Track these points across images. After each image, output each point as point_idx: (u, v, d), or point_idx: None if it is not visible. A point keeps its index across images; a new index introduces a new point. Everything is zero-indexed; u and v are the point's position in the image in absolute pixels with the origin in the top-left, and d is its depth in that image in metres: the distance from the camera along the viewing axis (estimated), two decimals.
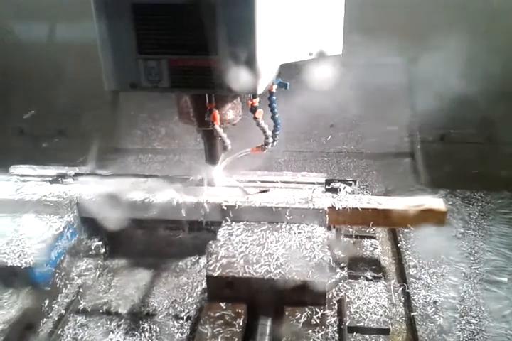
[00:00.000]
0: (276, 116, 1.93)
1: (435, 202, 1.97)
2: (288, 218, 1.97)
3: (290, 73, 1.86)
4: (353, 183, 2.07)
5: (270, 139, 1.99)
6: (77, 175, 2.23)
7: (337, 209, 1.95)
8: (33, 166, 2.28)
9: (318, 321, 1.67)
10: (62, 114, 3.40)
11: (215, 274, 1.75)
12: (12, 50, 3.41)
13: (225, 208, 2.00)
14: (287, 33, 1.68)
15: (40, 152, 3.35)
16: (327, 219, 1.95)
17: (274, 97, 1.89)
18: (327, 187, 2.06)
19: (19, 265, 1.82)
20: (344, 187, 2.03)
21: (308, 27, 1.73)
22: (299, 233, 1.93)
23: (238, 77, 1.59)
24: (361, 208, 1.95)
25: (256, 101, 1.82)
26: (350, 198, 1.99)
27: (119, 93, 3.22)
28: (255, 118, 1.88)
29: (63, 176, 2.21)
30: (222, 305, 1.74)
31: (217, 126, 1.86)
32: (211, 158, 2.04)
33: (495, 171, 2.81)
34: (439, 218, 1.95)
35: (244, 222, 2.00)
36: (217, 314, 1.71)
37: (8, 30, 3.44)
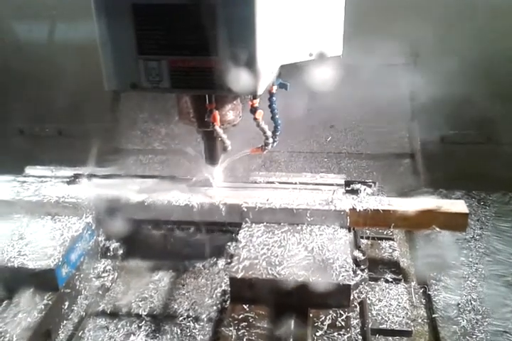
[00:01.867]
0: (277, 116, 1.93)
1: (456, 204, 1.97)
2: (308, 220, 1.97)
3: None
4: (373, 185, 2.06)
5: (270, 140, 1.99)
6: (93, 176, 2.22)
7: (358, 210, 1.95)
8: (49, 167, 2.27)
9: (343, 323, 1.66)
10: (62, 114, 3.39)
11: (239, 276, 1.74)
12: (12, 49, 3.40)
13: (245, 210, 2.00)
14: (287, 33, 1.68)
15: (40, 152, 3.34)
16: (348, 220, 1.95)
17: (274, 98, 1.89)
18: (347, 188, 2.06)
19: (40, 267, 1.80)
20: (364, 189, 2.03)
21: (308, 27, 1.72)
22: (320, 235, 1.92)
23: (238, 78, 1.58)
24: (382, 210, 1.94)
25: (256, 102, 1.82)
26: (370, 200, 1.99)
27: (120, 93, 3.22)
28: (255, 119, 1.87)
29: (80, 177, 2.20)
30: (246, 306, 1.74)
31: (217, 127, 1.85)
32: (211, 158, 2.03)
33: (496, 172, 2.81)
34: (461, 220, 1.94)
35: (265, 224, 1.99)
36: (241, 316, 1.71)
37: (7, 30, 3.43)
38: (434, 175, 2.89)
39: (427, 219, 1.94)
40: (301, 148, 3.18)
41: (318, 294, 1.70)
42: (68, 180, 2.19)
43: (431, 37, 2.96)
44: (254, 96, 1.79)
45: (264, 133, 1.96)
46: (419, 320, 1.91)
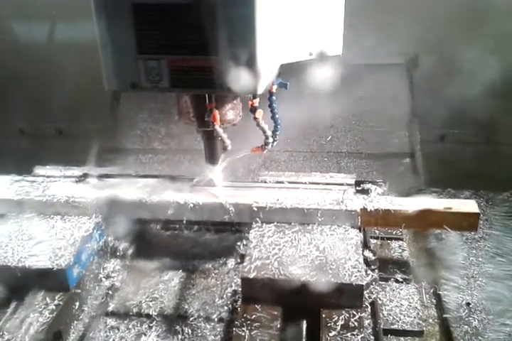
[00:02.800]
0: (277, 116, 1.92)
1: (467, 204, 1.97)
2: (319, 220, 1.96)
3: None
4: (383, 184, 2.06)
5: (270, 139, 1.98)
6: (103, 175, 2.21)
7: (369, 210, 1.95)
8: (58, 167, 2.27)
9: (356, 324, 1.66)
10: (62, 113, 3.39)
11: (251, 276, 1.74)
12: (12, 49, 3.39)
13: (256, 209, 1.99)
14: (287, 33, 1.67)
15: (40, 152, 3.33)
16: (359, 220, 1.95)
17: (274, 97, 1.88)
18: (357, 188, 2.06)
19: (51, 267, 1.80)
20: (375, 189, 2.03)
21: (308, 27, 1.72)
22: (331, 235, 1.92)
23: (238, 77, 1.58)
24: (393, 210, 1.94)
25: (256, 102, 1.81)
26: (381, 199, 1.98)
27: (120, 93, 3.21)
28: (255, 118, 1.87)
29: (89, 177, 2.19)
30: (258, 307, 1.73)
31: (217, 127, 1.85)
32: (211, 158, 2.02)
33: (495, 172, 2.81)
34: (471, 220, 1.94)
35: (275, 223, 1.99)
36: (254, 316, 1.70)
37: (7, 30, 3.42)
38: (434, 174, 2.89)
39: (438, 219, 1.93)
40: (301, 147, 3.18)
41: (330, 294, 1.71)
42: (77, 179, 2.18)
43: (431, 36, 2.96)
44: (254, 96, 1.79)
45: (264, 132, 1.95)
46: (430, 320, 1.90)
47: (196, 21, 1.53)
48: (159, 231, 2.27)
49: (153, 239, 2.24)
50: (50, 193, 2.08)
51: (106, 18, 1.57)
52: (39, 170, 2.27)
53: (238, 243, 2.08)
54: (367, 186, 2.05)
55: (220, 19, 1.52)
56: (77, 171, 2.25)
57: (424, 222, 1.96)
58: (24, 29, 3.43)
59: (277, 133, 1.97)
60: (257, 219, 2.00)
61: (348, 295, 1.70)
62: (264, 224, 1.99)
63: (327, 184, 2.11)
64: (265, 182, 2.17)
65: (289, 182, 2.15)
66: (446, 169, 2.89)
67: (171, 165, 3.18)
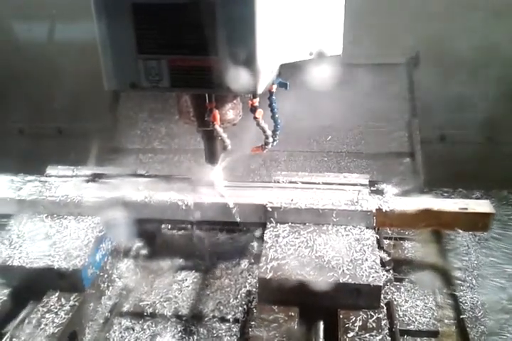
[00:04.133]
0: (276, 116, 1.92)
1: (482, 204, 1.97)
2: (334, 220, 1.96)
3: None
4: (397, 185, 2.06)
5: (270, 139, 1.97)
6: (115, 175, 2.20)
7: (384, 211, 1.94)
8: (70, 167, 2.25)
9: (374, 325, 1.66)
10: (61, 113, 3.38)
11: (268, 276, 1.74)
12: (12, 49, 3.38)
13: (270, 209, 1.98)
14: (287, 32, 1.67)
15: (40, 152, 3.32)
16: (374, 221, 1.94)
17: (274, 97, 1.88)
18: (372, 188, 2.05)
19: (66, 267, 1.79)
20: (390, 189, 2.02)
21: (308, 27, 1.71)
22: (346, 235, 1.91)
23: (238, 77, 1.58)
24: (408, 210, 1.94)
25: (256, 101, 1.81)
26: (396, 200, 1.98)
27: (119, 93, 3.21)
28: (255, 118, 1.86)
29: (102, 177, 2.18)
30: (275, 307, 1.73)
31: (217, 126, 1.84)
32: (211, 158, 2.01)
33: (496, 171, 2.81)
34: (485, 220, 1.94)
35: (290, 224, 1.98)
36: (271, 317, 1.70)
37: (7, 30, 3.41)
38: (434, 174, 2.89)
39: (453, 219, 1.93)
40: (301, 147, 3.17)
41: (347, 295, 1.70)
42: (90, 179, 2.17)
43: (431, 36, 2.96)
44: (254, 96, 1.78)
45: (264, 132, 1.94)
46: (446, 321, 1.90)
47: (196, 21, 1.53)
48: (169, 231, 2.27)
49: (165, 239, 2.24)
50: (62, 193, 2.07)
51: (106, 17, 1.56)
52: (51, 170, 2.25)
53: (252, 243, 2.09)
54: (381, 186, 2.04)
55: (219, 19, 1.51)
56: (89, 171, 2.23)
57: (438, 223, 1.95)
58: (24, 28, 3.43)
59: (277, 132, 1.97)
60: (272, 219, 1.99)
61: (365, 296, 1.70)
62: (278, 224, 1.98)
63: (341, 184, 2.11)
64: (278, 182, 2.16)
65: (303, 183, 2.15)
66: (447, 169, 2.88)
67: (171, 164, 3.17)
